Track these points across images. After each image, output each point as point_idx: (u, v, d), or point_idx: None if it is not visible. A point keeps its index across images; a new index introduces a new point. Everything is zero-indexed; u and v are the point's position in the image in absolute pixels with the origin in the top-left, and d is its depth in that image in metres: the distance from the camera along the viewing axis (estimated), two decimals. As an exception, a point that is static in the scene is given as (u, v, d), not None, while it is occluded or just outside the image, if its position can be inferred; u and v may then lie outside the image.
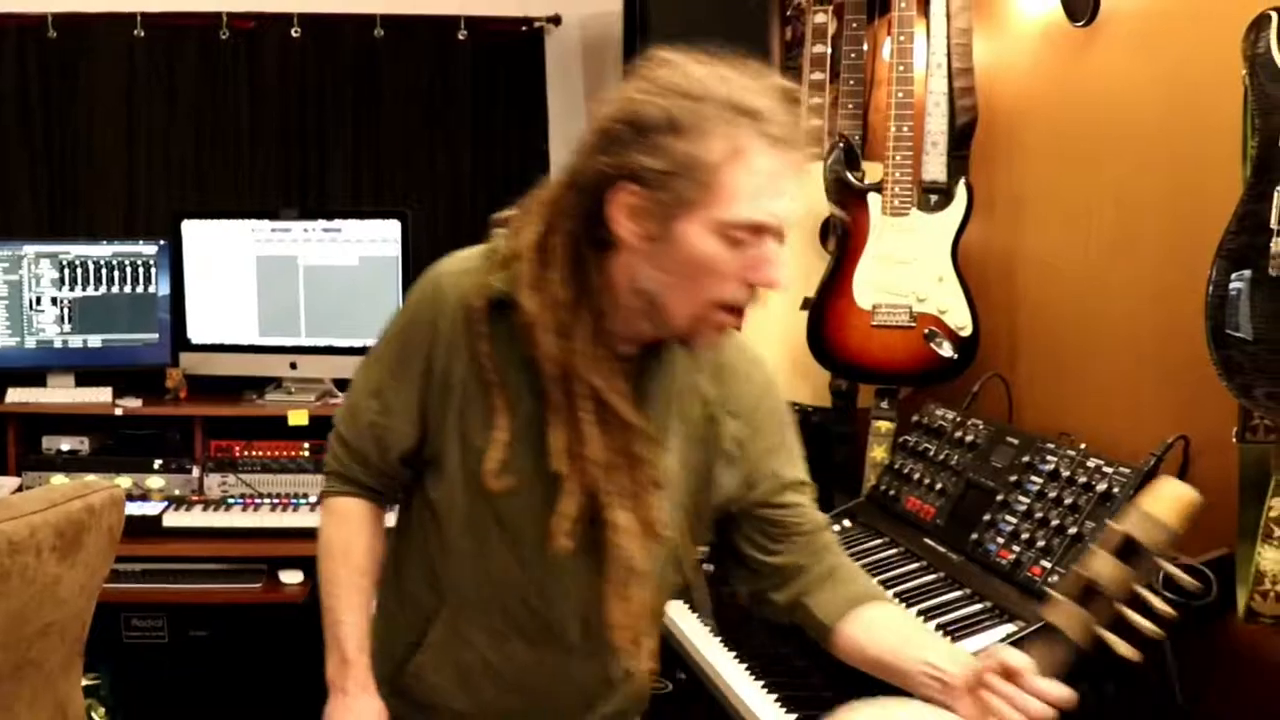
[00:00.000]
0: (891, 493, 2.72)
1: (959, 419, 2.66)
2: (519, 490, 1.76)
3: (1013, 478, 2.38)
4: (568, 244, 1.66)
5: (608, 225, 1.61)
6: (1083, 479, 2.21)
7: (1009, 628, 2.12)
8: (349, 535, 1.94)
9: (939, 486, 2.58)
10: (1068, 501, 2.21)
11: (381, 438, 1.88)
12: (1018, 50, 2.90)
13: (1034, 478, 2.34)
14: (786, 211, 1.58)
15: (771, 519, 1.87)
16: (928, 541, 2.52)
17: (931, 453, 2.66)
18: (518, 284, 1.69)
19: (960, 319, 2.85)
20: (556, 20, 4.55)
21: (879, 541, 2.63)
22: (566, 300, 1.66)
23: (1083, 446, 2.29)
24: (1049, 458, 2.34)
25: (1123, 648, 1.49)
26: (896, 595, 2.35)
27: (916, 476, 2.66)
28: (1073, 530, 2.15)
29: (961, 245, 2.87)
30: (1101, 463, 2.21)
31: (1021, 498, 2.33)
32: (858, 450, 3.06)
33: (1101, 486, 2.15)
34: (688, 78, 1.57)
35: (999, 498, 2.38)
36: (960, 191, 2.85)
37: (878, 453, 2.95)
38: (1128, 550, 1.49)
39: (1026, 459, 2.38)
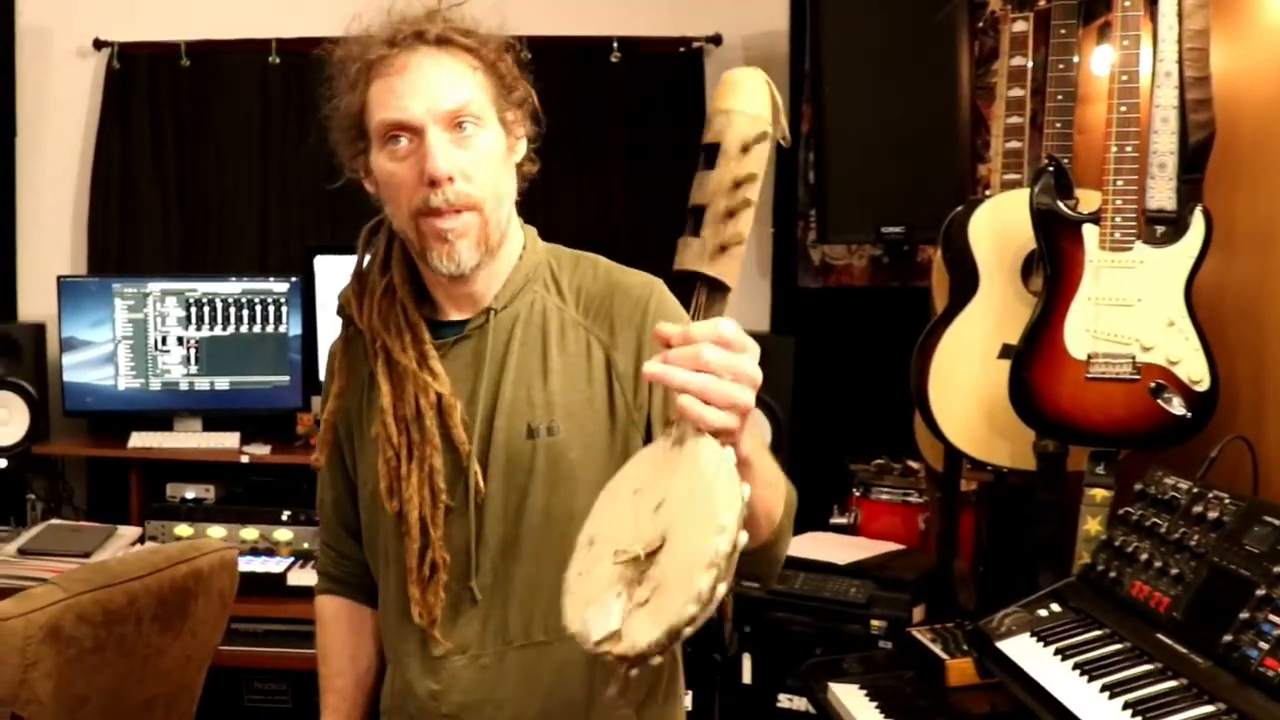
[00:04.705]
0: (1111, 574, 2.31)
1: (1196, 490, 2.25)
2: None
3: (1276, 568, 1.96)
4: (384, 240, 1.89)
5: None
6: (1378, 575, 1.79)
7: (1285, 761, 1.71)
8: (323, 636, 2.06)
9: (1174, 571, 2.17)
10: (1358, 603, 1.79)
11: (334, 512, 2.00)
12: (1268, 53, 2.52)
13: (1307, 569, 1.92)
14: (412, 107, 1.71)
15: None
16: (1161, 638, 2.10)
17: (1162, 529, 2.25)
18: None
19: (1195, 371, 2.46)
20: (717, 40, 4.28)
21: (1099, 633, 2.22)
22: (373, 275, 1.87)
23: (1370, 531, 1.87)
24: (1326, 545, 1.92)
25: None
26: (1126, 705, 1.96)
27: (1143, 557, 2.25)
28: (1369, 641, 1.73)
29: (1195, 284, 2.48)
30: (1402, 555, 1.79)
31: (1291, 594, 1.91)
32: (1067, 522, 2.68)
33: None
34: (332, 64, 1.80)
35: (1259, 592, 1.96)
36: (1196, 221, 2.45)
37: (1092, 525, 2.56)
38: (710, 156, 1.40)
39: (1295, 544, 1.96)
